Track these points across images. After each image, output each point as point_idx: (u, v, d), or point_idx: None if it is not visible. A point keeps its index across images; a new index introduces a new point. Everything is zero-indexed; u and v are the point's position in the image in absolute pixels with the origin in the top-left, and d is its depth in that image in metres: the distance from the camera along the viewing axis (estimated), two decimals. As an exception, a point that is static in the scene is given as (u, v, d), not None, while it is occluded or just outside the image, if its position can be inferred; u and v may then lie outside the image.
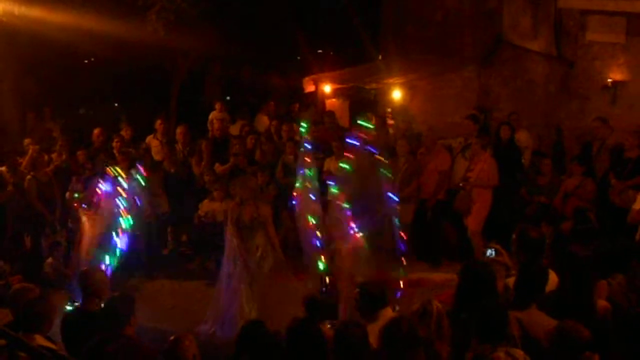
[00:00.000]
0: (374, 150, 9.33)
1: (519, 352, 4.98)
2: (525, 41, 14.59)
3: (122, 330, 5.74)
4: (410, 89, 15.34)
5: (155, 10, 14.89)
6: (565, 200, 11.04)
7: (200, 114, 16.69)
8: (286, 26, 19.39)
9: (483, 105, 14.18)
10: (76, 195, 11.29)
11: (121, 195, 9.62)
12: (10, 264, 11.38)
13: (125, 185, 9.73)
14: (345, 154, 9.80)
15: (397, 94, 15.51)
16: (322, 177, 12.20)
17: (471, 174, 11.40)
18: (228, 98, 19.18)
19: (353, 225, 8.77)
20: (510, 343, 5.22)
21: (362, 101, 16.98)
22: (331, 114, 14.79)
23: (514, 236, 6.90)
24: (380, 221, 9.18)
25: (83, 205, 10.82)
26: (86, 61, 19.34)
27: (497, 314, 5.25)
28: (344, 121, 15.96)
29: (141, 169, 10.48)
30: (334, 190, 9.15)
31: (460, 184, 11.49)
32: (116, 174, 9.89)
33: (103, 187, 9.91)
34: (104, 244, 9.45)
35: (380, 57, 17.01)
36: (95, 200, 10.35)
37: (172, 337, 5.40)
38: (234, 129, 14.62)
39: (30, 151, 12.45)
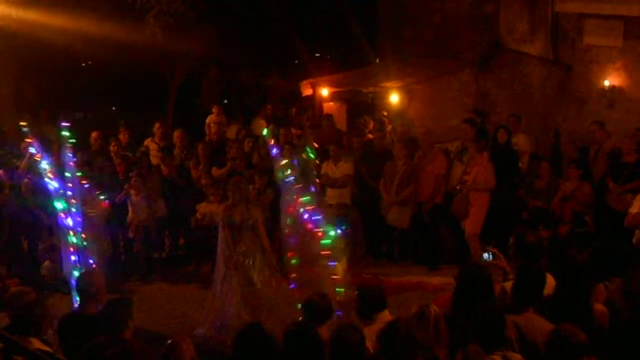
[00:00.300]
0: None
1: (516, 356, 4.98)
2: (523, 45, 14.63)
3: (120, 333, 5.73)
4: (408, 92, 15.35)
5: (153, 13, 14.89)
6: (563, 204, 11.04)
7: (198, 117, 16.69)
8: (284, 30, 19.41)
9: (480, 109, 14.20)
10: None
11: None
12: (7, 267, 11.38)
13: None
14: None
15: (394, 98, 15.51)
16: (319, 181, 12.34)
17: (468, 177, 11.41)
18: (226, 102, 19.17)
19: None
20: (508, 347, 5.22)
21: (360, 105, 16.98)
22: (329, 117, 14.81)
23: (511, 240, 6.92)
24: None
25: None
26: (84, 64, 19.35)
27: (494, 318, 5.25)
28: (341, 125, 15.97)
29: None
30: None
31: (458, 186, 11.50)
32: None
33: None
34: None
35: (377, 61, 17.04)
36: None
37: (169, 341, 5.40)
38: (230, 133, 14.62)
39: (27, 154, 12.42)
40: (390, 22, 16.33)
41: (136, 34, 14.76)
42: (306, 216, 8.42)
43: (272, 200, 12.19)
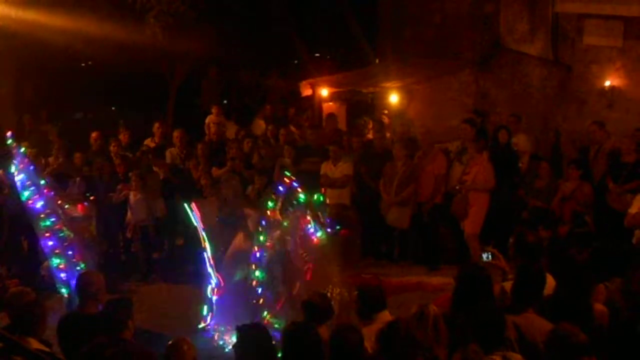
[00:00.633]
0: None
1: (516, 357, 4.98)
2: (523, 45, 14.63)
3: (120, 333, 5.74)
4: (408, 92, 15.35)
5: (153, 13, 14.88)
6: (563, 204, 11.05)
7: (198, 117, 16.69)
8: (284, 30, 19.40)
9: (480, 109, 14.20)
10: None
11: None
12: (7, 268, 11.37)
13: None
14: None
15: (394, 98, 15.51)
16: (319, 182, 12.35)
17: (467, 177, 11.41)
18: (225, 102, 19.17)
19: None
20: (508, 347, 5.22)
21: (359, 105, 16.99)
22: (333, 116, 14.84)
23: (511, 240, 6.92)
24: None
25: None
26: (83, 64, 19.34)
27: (494, 318, 5.25)
28: (341, 125, 15.96)
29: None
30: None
31: (457, 186, 11.51)
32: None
33: None
34: None
35: (377, 61, 17.04)
36: None
37: (170, 342, 5.40)
38: (230, 133, 14.62)
39: (27, 155, 12.41)
40: (390, 22, 16.34)
41: (136, 34, 14.76)
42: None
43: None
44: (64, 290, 9.39)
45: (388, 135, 13.63)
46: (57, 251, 9.37)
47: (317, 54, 21.80)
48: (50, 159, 12.89)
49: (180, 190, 12.33)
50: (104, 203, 11.83)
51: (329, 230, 8.43)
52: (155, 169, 12.48)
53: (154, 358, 5.84)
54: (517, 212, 11.58)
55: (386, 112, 15.47)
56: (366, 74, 16.43)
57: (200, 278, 9.23)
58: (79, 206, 10.07)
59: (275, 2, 19.19)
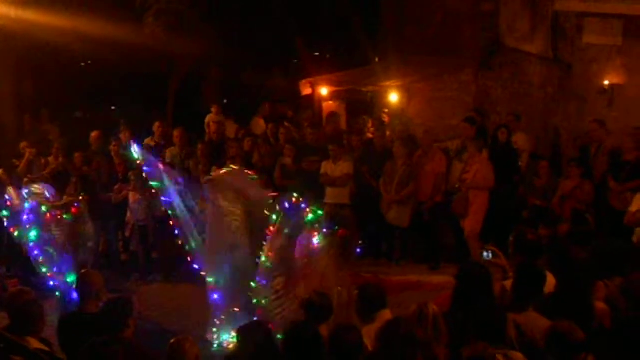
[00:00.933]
0: None
1: (517, 355, 4.98)
2: (523, 44, 14.62)
3: (120, 332, 5.73)
4: (408, 91, 15.35)
5: (152, 13, 14.89)
6: (563, 203, 11.04)
7: (198, 116, 16.67)
8: (284, 29, 19.40)
9: (480, 108, 14.19)
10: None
11: None
12: (6, 268, 11.37)
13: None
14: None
15: (394, 97, 15.52)
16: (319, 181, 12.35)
17: (467, 175, 11.41)
18: (225, 101, 19.16)
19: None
20: (508, 346, 5.21)
21: (359, 104, 16.99)
22: (335, 116, 14.84)
23: (511, 238, 6.91)
24: None
25: None
26: (83, 64, 19.33)
27: (495, 316, 5.24)
28: (341, 124, 15.95)
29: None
30: None
31: (457, 185, 11.51)
32: None
33: None
34: None
35: (377, 60, 17.03)
36: None
37: (172, 340, 5.39)
38: (230, 132, 14.62)
39: (27, 154, 12.43)
40: (390, 21, 16.32)
41: (136, 34, 14.76)
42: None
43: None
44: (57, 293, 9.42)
45: (388, 134, 13.61)
46: (41, 261, 9.37)
47: (316, 53, 21.81)
48: (50, 159, 12.88)
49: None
50: (102, 203, 11.81)
51: (324, 230, 8.42)
52: None
53: (155, 357, 5.85)
54: (517, 210, 11.58)
55: (386, 110, 15.47)
56: (366, 73, 16.41)
57: (201, 277, 9.17)
58: (72, 209, 10.03)
59: (276, 2, 19.19)
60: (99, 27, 14.06)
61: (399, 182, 11.93)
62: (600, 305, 5.91)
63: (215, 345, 8.52)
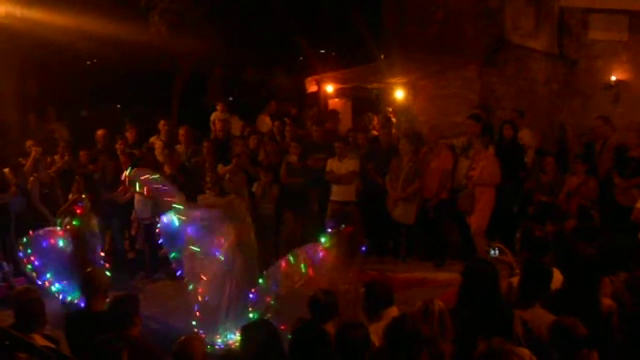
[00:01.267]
0: None
1: (524, 351, 4.98)
2: (527, 40, 14.59)
3: (127, 330, 5.74)
4: (412, 88, 15.35)
5: (157, 12, 14.89)
6: (569, 199, 11.03)
7: (203, 114, 16.69)
8: (288, 27, 19.40)
9: (485, 104, 14.18)
10: None
11: None
12: (13, 266, 11.39)
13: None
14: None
15: (399, 94, 15.53)
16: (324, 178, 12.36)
17: (473, 172, 11.40)
18: (230, 99, 19.17)
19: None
20: (515, 342, 5.21)
21: (365, 101, 16.99)
22: (334, 114, 14.82)
23: (517, 235, 6.91)
24: None
25: None
26: (88, 63, 19.35)
27: (502, 313, 5.25)
28: (346, 121, 15.96)
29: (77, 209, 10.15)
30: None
31: (463, 182, 11.50)
32: None
33: None
34: None
35: (382, 57, 17.02)
36: None
37: (181, 338, 5.40)
38: (235, 129, 14.63)
39: (32, 153, 12.44)
40: (394, 18, 16.31)
41: (141, 32, 14.77)
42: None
43: (277, 196, 12.23)
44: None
45: (393, 131, 13.60)
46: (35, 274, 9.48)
47: (322, 50, 21.80)
48: (56, 157, 12.90)
49: (186, 188, 12.34)
50: (106, 201, 11.82)
51: (329, 230, 8.43)
52: (166, 166, 12.49)
53: (160, 355, 5.86)
54: (523, 207, 11.57)
55: (390, 109, 15.47)
56: (371, 70, 16.41)
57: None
58: (77, 209, 10.05)
59: (278, 1, 19.18)
60: (104, 26, 14.08)
61: (405, 179, 11.93)
62: (606, 301, 5.90)
63: (220, 345, 8.52)
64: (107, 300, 6.37)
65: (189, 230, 8.72)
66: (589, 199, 10.94)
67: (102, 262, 9.77)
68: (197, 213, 8.93)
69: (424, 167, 12.04)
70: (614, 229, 10.02)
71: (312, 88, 16.87)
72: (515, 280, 6.19)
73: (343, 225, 8.12)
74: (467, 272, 6.00)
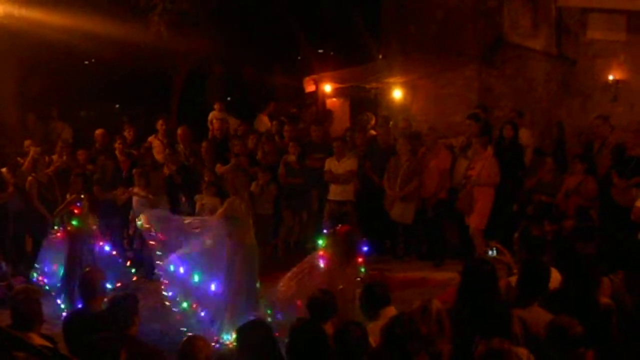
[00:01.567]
0: None
1: (522, 351, 4.97)
2: (526, 40, 14.59)
3: (125, 330, 5.74)
4: (411, 88, 15.35)
5: (157, 11, 14.88)
6: (567, 199, 11.03)
7: (202, 114, 16.68)
8: (287, 26, 19.39)
9: (484, 104, 14.17)
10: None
11: None
12: (12, 266, 11.39)
13: None
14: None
15: (397, 93, 15.52)
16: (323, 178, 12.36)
17: (472, 172, 11.40)
18: (229, 99, 19.16)
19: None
20: (513, 341, 5.21)
21: (363, 101, 16.98)
22: (328, 113, 14.85)
23: (516, 235, 6.91)
24: None
25: None
26: (87, 62, 19.31)
27: (500, 312, 5.24)
28: (344, 121, 15.96)
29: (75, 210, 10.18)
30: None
31: (462, 182, 11.50)
32: None
33: None
34: None
35: (380, 57, 17.01)
36: None
37: (185, 338, 5.41)
38: (231, 128, 14.62)
39: (31, 152, 12.44)
40: (393, 18, 16.30)
41: (140, 32, 14.75)
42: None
43: (275, 196, 12.23)
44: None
45: (391, 130, 13.60)
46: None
47: (320, 50, 21.78)
48: (54, 157, 12.89)
49: (184, 188, 12.35)
50: (105, 201, 11.82)
51: (325, 231, 8.44)
52: (168, 165, 12.50)
53: (159, 355, 5.86)
54: (522, 207, 11.56)
55: (385, 113, 15.47)
56: (369, 70, 16.41)
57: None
58: (75, 209, 10.06)
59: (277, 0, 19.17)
60: (103, 26, 14.06)
61: (403, 178, 11.93)
62: (605, 300, 5.90)
63: (217, 345, 8.52)
64: (105, 300, 6.37)
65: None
66: (588, 199, 10.94)
67: (119, 259, 9.87)
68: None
69: (422, 167, 12.04)
70: (612, 229, 10.05)
71: (311, 88, 16.87)
72: (513, 279, 6.19)
73: (339, 225, 8.12)
74: (466, 271, 6.00)
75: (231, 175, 9.59)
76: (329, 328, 5.67)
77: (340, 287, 7.46)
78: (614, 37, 13.67)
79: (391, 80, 15.55)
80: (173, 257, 8.96)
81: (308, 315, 6.14)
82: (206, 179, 11.92)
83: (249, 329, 5.45)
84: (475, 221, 11.33)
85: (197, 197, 11.84)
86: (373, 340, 5.39)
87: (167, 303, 8.86)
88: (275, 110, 16.21)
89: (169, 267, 8.93)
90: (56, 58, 16.15)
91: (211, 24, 16.73)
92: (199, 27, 16.35)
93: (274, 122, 14.42)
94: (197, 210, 11.76)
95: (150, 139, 13.72)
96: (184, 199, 12.45)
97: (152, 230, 9.20)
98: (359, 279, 7.57)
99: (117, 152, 12.68)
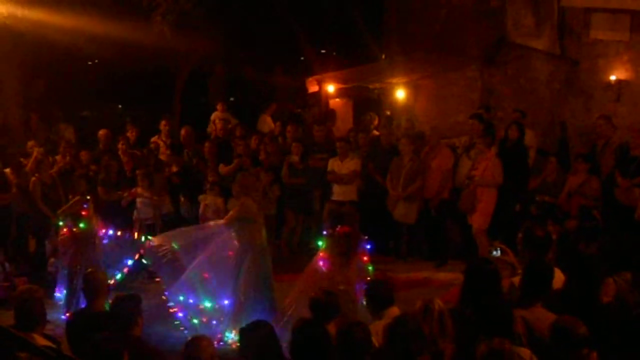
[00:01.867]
0: None
1: (525, 351, 4.97)
2: (529, 40, 14.57)
3: (129, 330, 5.74)
4: (414, 88, 15.35)
5: (160, 12, 14.88)
6: (570, 199, 11.01)
7: (204, 114, 16.70)
8: (289, 27, 19.40)
9: (487, 104, 14.17)
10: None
11: None
12: (15, 266, 11.39)
13: None
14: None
15: (400, 94, 15.52)
16: (325, 178, 12.36)
17: (476, 172, 11.37)
18: (232, 99, 19.17)
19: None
20: (516, 342, 5.20)
21: (366, 101, 16.99)
22: (331, 113, 14.84)
23: (519, 235, 6.89)
24: None
25: None
26: (90, 63, 19.34)
27: (502, 312, 5.24)
28: (347, 121, 15.95)
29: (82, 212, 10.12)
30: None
31: (466, 182, 11.48)
32: None
33: None
34: None
35: (383, 57, 17.02)
36: None
37: (189, 338, 5.41)
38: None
39: (34, 153, 12.45)
40: (395, 18, 16.29)
41: (142, 33, 14.76)
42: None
43: (279, 196, 12.24)
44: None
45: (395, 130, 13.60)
46: None
47: (323, 50, 21.79)
48: (58, 157, 12.90)
49: (185, 189, 12.36)
50: (108, 201, 11.82)
51: (325, 232, 8.44)
52: (173, 166, 12.51)
53: (162, 355, 5.87)
54: (526, 207, 11.54)
55: (388, 113, 15.47)
56: (372, 70, 16.41)
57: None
58: (83, 211, 10.06)
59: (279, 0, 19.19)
60: (105, 26, 14.06)
61: (406, 178, 11.93)
62: (608, 301, 5.90)
63: (222, 343, 8.52)
64: (109, 300, 6.38)
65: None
66: (591, 199, 10.92)
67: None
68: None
69: (425, 167, 12.03)
70: (616, 229, 10.03)
71: (313, 88, 16.87)
72: (517, 280, 6.18)
73: (339, 226, 8.12)
74: (468, 271, 6.00)
75: (241, 176, 9.59)
76: (331, 328, 5.67)
77: (342, 287, 7.47)
78: (617, 37, 13.67)
79: (393, 80, 15.55)
80: (181, 285, 8.95)
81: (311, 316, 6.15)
82: (210, 179, 11.93)
83: (252, 329, 5.46)
84: (478, 221, 11.31)
85: (200, 197, 11.86)
86: (376, 340, 5.39)
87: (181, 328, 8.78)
88: (277, 110, 16.22)
89: (179, 297, 8.92)
90: (59, 59, 16.18)
91: (213, 24, 16.74)
92: (201, 27, 16.36)
93: (277, 123, 14.42)
94: (200, 210, 11.79)
95: (153, 139, 13.73)
96: (182, 199, 12.46)
97: (166, 249, 9.17)
98: (368, 278, 7.53)
99: (120, 153, 12.69)
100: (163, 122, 13.84)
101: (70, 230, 9.99)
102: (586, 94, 14.09)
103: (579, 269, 6.02)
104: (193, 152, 13.01)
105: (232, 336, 8.49)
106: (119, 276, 9.67)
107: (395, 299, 6.26)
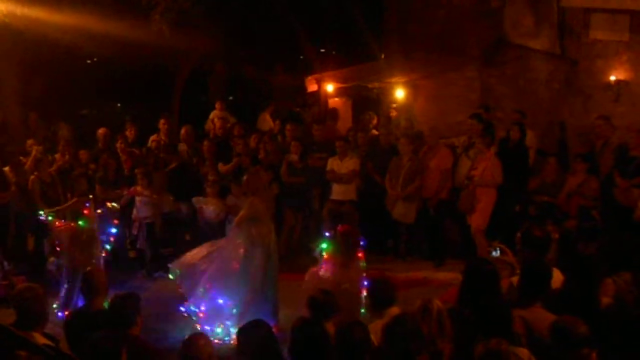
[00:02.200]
0: None
1: (523, 351, 4.97)
2: (528, 40, 14.57)
3: (127, 329, 5.73)
4: (413, 88, 15.34)
5: (159, 10, 14.88)
6: (569, 199, 11.02)
7: (204, 113, 16.70)
8: (289, 25, 19.40)
9: (486, 104, 14.17)
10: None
11: None
12: (14, 264, 11.39)
13: None
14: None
15: (399, 93, 15.52)
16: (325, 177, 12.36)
17: (475, 172, 11.39)
18: (231, 98, 19.18)
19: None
20: (515, 342, 5.20)
21: (365, 100, 16.99)
22: (334, 113, 14.82)
23: (518, 235, 6.90)
24: None
25: None
26: (89, 61, 19.34)
27: (501, 312, 5.24)
28: (346, 120, 15.94)
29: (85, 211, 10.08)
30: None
31: (465, 182, 11.49)
32: None
33: None
34: None
35: (383, 56, 17.02)
36: None
37: (186, 337, 5.38)
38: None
39: (33, 151, 12.45)
40: (395, 18, 16.28)
41: (141, 31, 14.75)
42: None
43: (277, 195, 12.24)
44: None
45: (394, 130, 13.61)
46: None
47: (322, 50, 21.79)
48: (57, 156, 12.90)
49: (186, 187, 12.36)
50: (108, 200, 11.82)
51: (327, 234, 8.44)
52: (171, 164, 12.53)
53: (161, 354, 5.86)
54: (525, 207, 11.55)
55: (394, 105, 15.47)
56: (371, 69, 16.40)
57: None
58: (85, 210, 10.06)
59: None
60: (105, 24, 14.06)
61: (405, 178, 11.94)
62: (607, 301, 5.90)
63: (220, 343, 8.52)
64: (107, 299, 6.37)
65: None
66: (590, 199, 10.93)
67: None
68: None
69: (424, 167, 12.04)
70: (615, 229, 10.04)
71: (313, 87, 16.87)
72: (516, 280, 6.18)
73: (339, 225, 8.12)
74: (467, 271, 6.00)
75: (249, 176, 9.60)
76: (330, 327, 5.67)
77: (345, 286, 7.47)
78: (616, 37, 13.68)
79: (393, 80, 15.54)
80: (192, 299, 9.03)
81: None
82: (210, 178, 11.94)
83: (250, 328, 5.45)
84: (477, 221, 11.32)
85: (194, 199, 11.86)
86: (375, 339, 5.40)
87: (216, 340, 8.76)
88: (277, 109, 16.21)
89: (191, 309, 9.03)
90: (58, 57, 16.17)
91: (213, 22, 16.74)
92: (201, 26, 16.36)
93: (277, 122, 14.42)
94: (198, 212, 11.86)
95: (152, 138, 13.73)
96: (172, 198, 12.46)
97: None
98: (364, 274, 7.55)
99: (119, 151, 12.69)
100: (162, 121, 13.84)
101: (67, 223, 10.00)
102: (585, 94, 14.09)
103: (578, 269, 6.03)
104: (193, 151, 13.02)
105: (231, 336, 8.49)
106: (107, 246, 9.95)
107: (396, 299, 6.27)
